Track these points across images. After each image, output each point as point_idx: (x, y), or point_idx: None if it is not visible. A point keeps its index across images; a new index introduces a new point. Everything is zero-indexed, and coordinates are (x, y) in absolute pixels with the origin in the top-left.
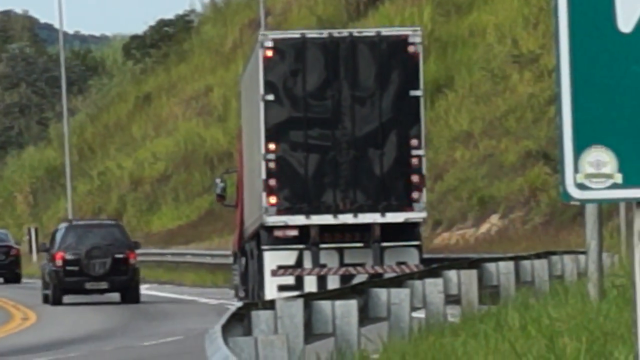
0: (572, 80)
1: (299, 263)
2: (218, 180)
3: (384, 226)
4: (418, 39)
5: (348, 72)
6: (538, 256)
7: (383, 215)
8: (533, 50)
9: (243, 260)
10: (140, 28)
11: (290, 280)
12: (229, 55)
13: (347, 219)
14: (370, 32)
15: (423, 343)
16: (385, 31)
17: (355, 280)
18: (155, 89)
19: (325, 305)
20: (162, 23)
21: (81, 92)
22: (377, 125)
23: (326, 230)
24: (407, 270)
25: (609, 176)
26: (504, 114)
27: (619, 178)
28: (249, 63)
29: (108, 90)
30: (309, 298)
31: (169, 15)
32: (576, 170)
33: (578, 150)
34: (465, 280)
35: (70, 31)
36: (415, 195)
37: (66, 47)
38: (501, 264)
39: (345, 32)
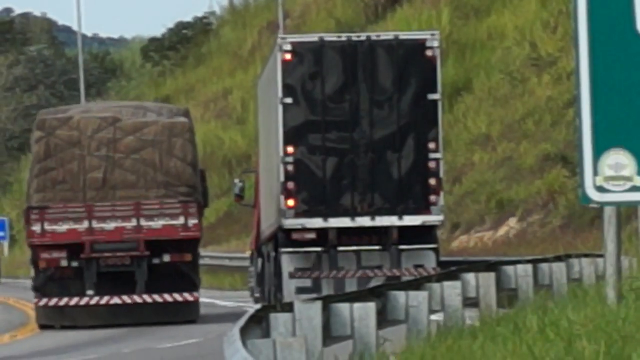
0: (592, 83)
1: (317, 266)
2: (237, 180)
3: (402, 229)
4: (436, 43)
5: (366, 75)
6: (556, 259)
7: (401, 218)
8: (552, 53)
9: (259, 261)
10: (159, 31)
11: (307, 282)
12: (248, 58)
13: (365, 222)
14: (388, 36)
15: (441, 346)
16: (403, 35)
17: (373, 283)
18: (173, 91)
19: (343, 308)
20: (181, 26)
21: (100, 94)
22: (395, 128)
23: (344, 233)
24: (425, 273)
25: (628, 179)
26: (522, 117)
27: (638, 181)
28: (267, 66)
29: (127, 93)
30: (327, 301)
31: (188, 18)
32: (596, 173)
33: (598, 153)
34: (484, 284)
35: (89, 34)
36: (433, 198)
37: (85, 50)
38: (519, 267)
39: (363, 36)
